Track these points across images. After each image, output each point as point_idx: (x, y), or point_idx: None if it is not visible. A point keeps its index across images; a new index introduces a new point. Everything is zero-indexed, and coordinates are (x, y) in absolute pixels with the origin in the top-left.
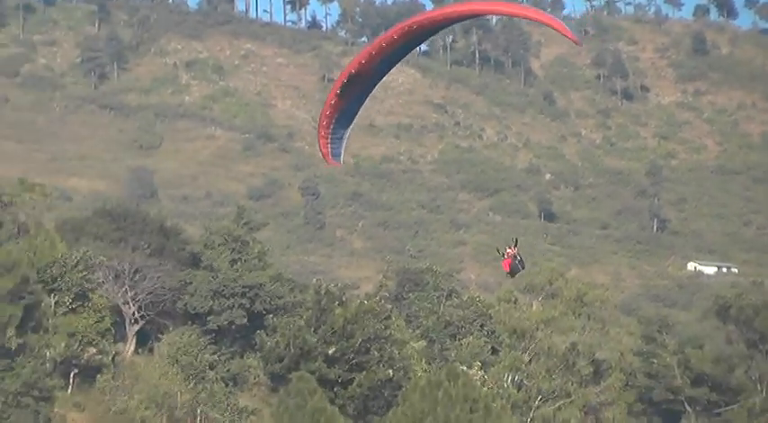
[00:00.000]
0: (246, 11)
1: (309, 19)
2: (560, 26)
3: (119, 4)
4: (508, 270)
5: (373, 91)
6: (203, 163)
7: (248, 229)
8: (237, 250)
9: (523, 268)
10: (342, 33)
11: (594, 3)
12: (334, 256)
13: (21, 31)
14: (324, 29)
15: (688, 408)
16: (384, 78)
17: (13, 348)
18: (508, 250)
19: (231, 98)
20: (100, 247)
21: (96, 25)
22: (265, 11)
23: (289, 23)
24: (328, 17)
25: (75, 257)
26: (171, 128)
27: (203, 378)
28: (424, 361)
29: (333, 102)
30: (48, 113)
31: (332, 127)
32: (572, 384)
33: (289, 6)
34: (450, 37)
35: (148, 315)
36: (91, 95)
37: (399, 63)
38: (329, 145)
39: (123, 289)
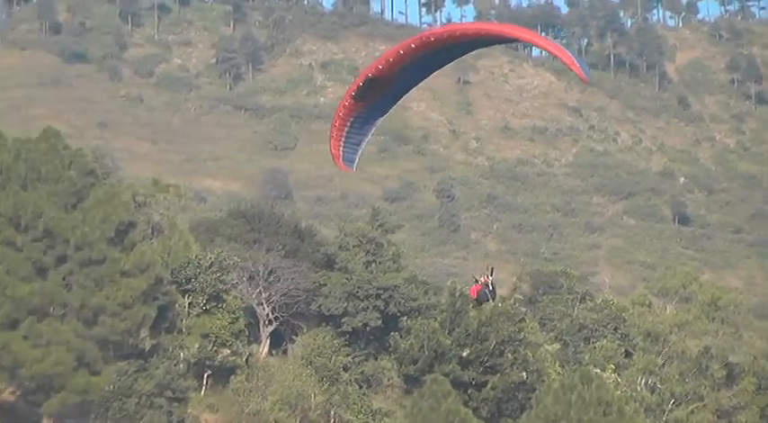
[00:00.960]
0: (382, 12)
1: (444, 21)
2: (573, 65)
3: (254, 4)
4: (475, 296)
5: (395, 105)
6: None
7: (383, 231)
8: (372, 252)
9: (493, 299)
10: None
11: (729, 7)
12: (469, 258)
13: (155, 32)
14: None
15: None
16: (412, 91)
17: (147, 349)
18: (482, 279)
19: None
20: (234, 248)
21: (231, 26)
22: (401, 12)
23: (424, 25)
24: (463, 19)
25: (210, 258)
26: (305, 129)
27: (337, 380)
28: (557, 364)
29: (347, 103)
30: (182, 114)
31: (346, 130)
32: (705, 388)
33: (424, 8)
34: (585, 40)
35: (282, 316)
36: (225, 96)
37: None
38: (341, 148)
39: (257, 290)
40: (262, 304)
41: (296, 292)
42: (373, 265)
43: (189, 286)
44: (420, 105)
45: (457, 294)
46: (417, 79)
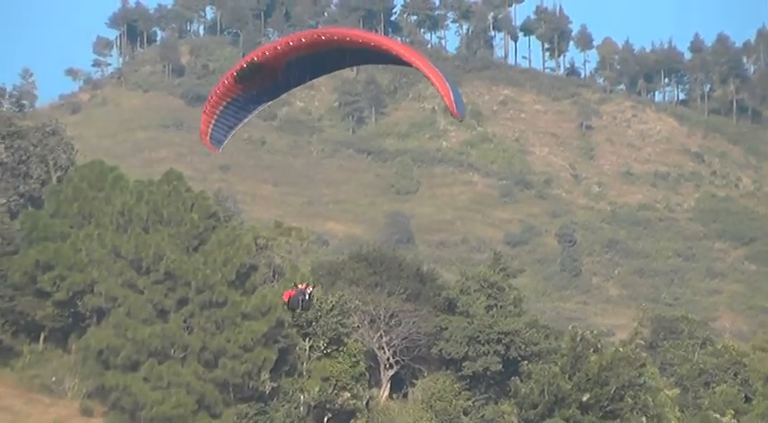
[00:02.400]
0: (505, 57)
1: (568, 66)
2: (447, 96)
3: None
4: (287, 300)
5: (275, 98)
6: (460, 208)
7: (504, 276)
8: (493, 296)
9: (304, 309)
10: (600, 80)
11: None
12: (590, 302)
13: None
14: (582, 76)
15: None
16: (302, 85)
17: (267, 392)
18: (301, 285)
19: (489, 144)
20: (355, 291)
21: (354, 69)
22: (524, 57)
23: (547, 70)
24: (587, 64)
25: (331, 302)
26: (428, 173)
27: None
28: (677, 409)
29: (227, 82)
30: (305, 157)
31: (220, 109)
32: None
33: (547, 53)
34: (708, 86)
35: (403, 360)
36: (348, 140)
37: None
38: (211, 125)
39: (378, 334)
40: (383, 348)
41: (417, 335)
42: (494, 309)
43: (310, 329)
44: (542, 150)
45: (578, 339)
46: (302, 77)
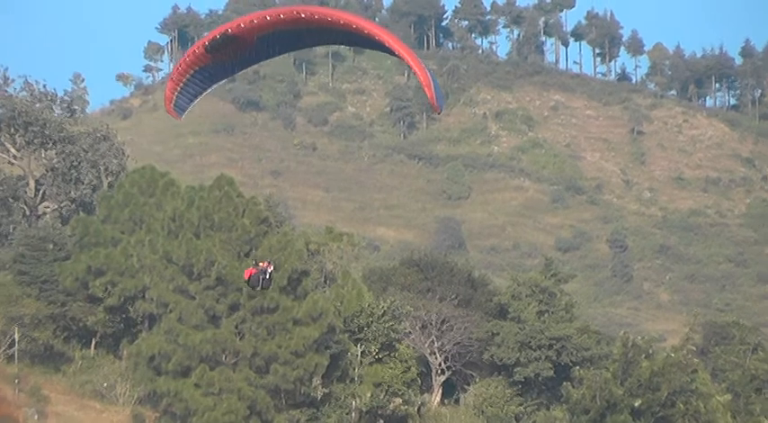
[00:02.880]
0: (556, 62)
1: (619, 71)
2: (428, 87)
3: (429, 53)
4: (247, 278)
5: (243, 70)
6: (511, 214)
7: (556, 281)
8: (545, 302)
9: (264, 288)
10: (651, 86)
11: None
12: (641, 308)
13: (330, 80)
14: (633, 81)
15: None
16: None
17: (319, 398)
18: (261, 264)
19: (540, 149)
20: (407, 297)
21: (405, 75)
22: (575, 62)
23: (598, 75)
24: (638, 69)
25: (383, 307)
26: (479, 178)
27: None
28: (729, 415)
29: (197, 51)
30: (356, 162)
31: (187, 78)
32: None
33: (598, 58)
34: (759, 91)
35: (455, 366)
36: (399, 145)
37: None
38: (176, 93)
39: (430, 339)
40: (434, 353)
41: (468, 341)
42: (546, 314)
43: (361, 335)
44: (594, 155)
45: (629, 345)
46: (274, 51)
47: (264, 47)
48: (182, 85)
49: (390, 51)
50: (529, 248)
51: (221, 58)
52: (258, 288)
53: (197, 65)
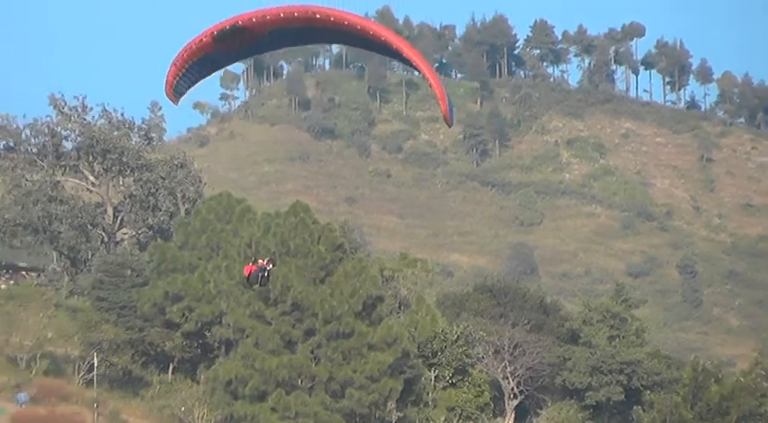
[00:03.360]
0: (627, 90)
1: (688, 99)
2: (443, 100)
3: (501, 81)
4: (247, 275)
5: (248, 58)
6: (583, 240)
7: (626, 306)
8: (616, 327)
9: (262, 285)
10: (720, 113)
11: None
12: (711, 333)
13: (404, 108)
14: (702, 109)
15: None
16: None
17: (393, 422)
18: (261, 261)
19: (611, 176)
20: (480, 322)
21: (478, 102)
22: (645, 90)
23: (668, 103)
24: (707, 97)
25: (456, 332)
26: (551, 205)
27: None
28: None
29: (204, 40)
30: (430, 189)
31: (190, 64)
32: None
33: (668, 86)
34: None
35: (527, 390)
36: (473, 172)
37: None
38: (177, 78)
39: (503, 364)
40: (507, 378)
41: (540, 366)
42: (617, 339)
43: (435, 360)
44: (664, 182)
45: (699, 369)
46: (282, 45)
47: (273, 40)
48: (184, 70)
49: (406, 60)
50: (600, 274)
51: (226, 47)
52: (256, 285)
53: (201, 52)
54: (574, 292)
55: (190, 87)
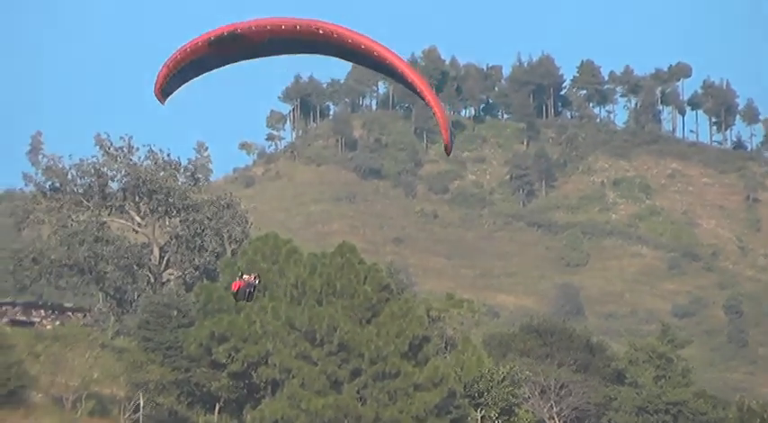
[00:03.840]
0: (673, 130)
1: (735, 139)
2: (445, 127)
3: (547, 122)
4: (235, 290)
5: (241, 62)
6: (629, 280)
7: (672, 347)
8: (662, 367)
9: (248, 300)
10: (766, 154)
11: None
12: (757, 373)
13: None
14: (748, 149)
15: None
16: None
17: None
18: (247, 276)
19: (657, 217)
20: (526, 362)
21: (525, 143)
22: (691, 131)
23: (714, 143)
24: (753, 138)
25: (502, 372)
26: (597, 245)
27: None
28: None
29: (200, 44)
30: (476, 230)
31: (182, 66)
32: None
33: (714, 127)
34: None
35: None
36: (519, 213)
37: None
38: (168, 79)
39: (549, 404)
40: (553, 418)
41: (587, 406)
42: (663, 379)
43: (481, 400)
44: (710, 222)
45: (745, 409)
46: (278, 53)
47: (270, 48)
48: (175, 72)
49: (409, 85)
50: (646, 314)
51: (220, 52)
52: (244, 300)
53: (194, 56)
54: (620, 332)
55: (178, 88)
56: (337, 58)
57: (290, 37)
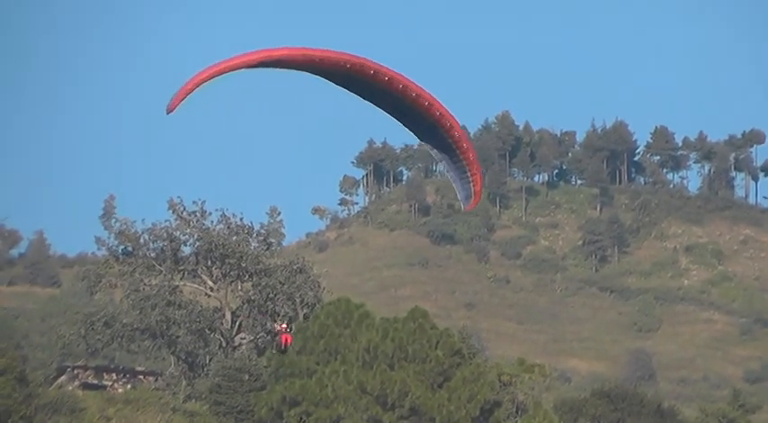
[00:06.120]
0: (746, 196)
1: None
2: (479, 195)
3: (621, 188)
4: (286, 344)
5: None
6: (701, 346)
7: (743, 412)
8: None
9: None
10: None
11: None
12: None
13: (523, 214)
14: None
15: None
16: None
17: None
18: (284, 325)
19: (729, 283)
20: None
21: (598, 208)
22: (765, 197)
23: None
24: None
25: None
26: (669, 311)
27: None
28: None
29: (235, 66)
30: (549, 295)
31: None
32: None
33: None
34: None
35: None
36: (592, 278)
37: None
38: (188, 94)
39: None
40: None
41: None
42: None
43: None
44: None
45: None
46: (313, 74)
47: (313, 72)
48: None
49: (448, 143)
50: (718, 380)
51: (250, 69)
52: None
53: (222, 74)
54: (692, 397)
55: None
56: (385, 109)
57: (335, 70)
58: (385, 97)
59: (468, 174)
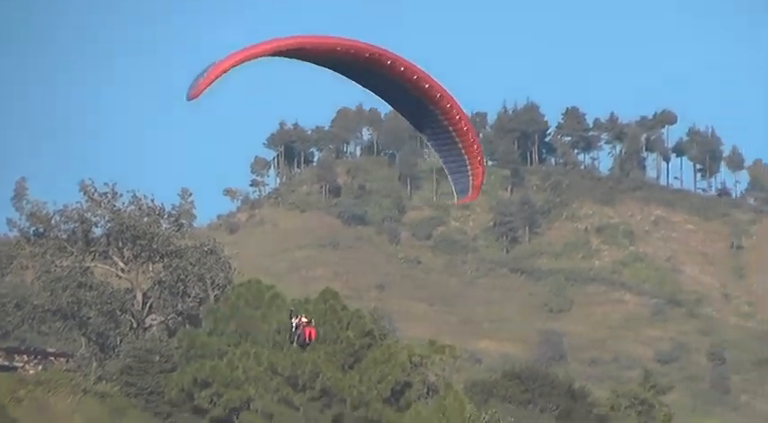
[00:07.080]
0: (657, 177)
1: (719, 186)
2: (478, 189)
3: (532, 169)
4: (314, 337)
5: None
6: (612, 327)
7: (654, 393)
8: (644, 413)
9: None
10: (750, 201)
11: None
12: (739, 420)
13: (434, 195)
14: (733, 196)
15: None
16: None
17: None
18: (304, 318)
19: (641, 263)
20: (508, 408)
21: (509, 190)
22: (676, 178)
23: (698, 190)
24: (737, 185)
25: (484, 419)
26: (581, 292)
27: None
28: None
29: (256, 53)
30: (459, 276)
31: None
32: None
33: (699, 174)
34: None
35: None
36: (503, 259)
37: None
38: (208, 85)
39: None
40: None
41: None
42: None
43: None
44: (694, 269)
45: None
46: (324, 66)
47: (327, 63)
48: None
49: (456, 138)
50: (629, 361)
51: (268, 58)
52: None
53: (241, 64)
54: (602, 378)
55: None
56: (394, 106)
57: (351, 59)
58: (395, 87)
59: (470, 167)
